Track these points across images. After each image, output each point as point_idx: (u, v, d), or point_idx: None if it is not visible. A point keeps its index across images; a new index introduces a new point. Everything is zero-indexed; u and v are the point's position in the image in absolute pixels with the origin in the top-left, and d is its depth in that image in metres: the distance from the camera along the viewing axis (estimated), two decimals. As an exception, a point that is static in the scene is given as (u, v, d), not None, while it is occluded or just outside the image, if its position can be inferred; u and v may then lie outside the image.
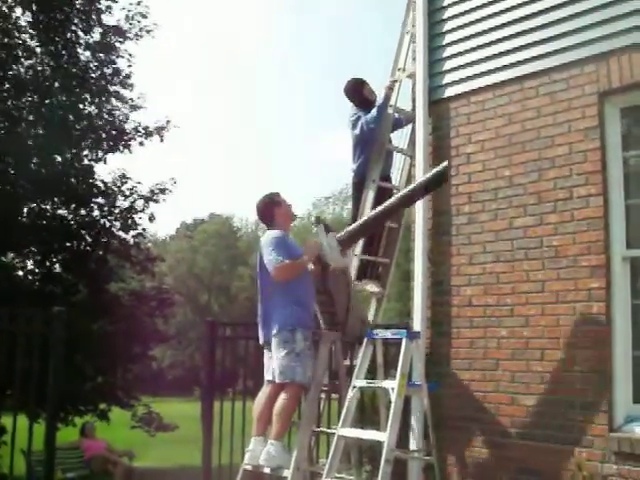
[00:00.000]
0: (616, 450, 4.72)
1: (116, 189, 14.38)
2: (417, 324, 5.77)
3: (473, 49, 6.01)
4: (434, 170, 5.61)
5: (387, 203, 5.78)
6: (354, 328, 5.58)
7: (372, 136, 6.73)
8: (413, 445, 5.56)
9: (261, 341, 5.55)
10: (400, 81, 6.86)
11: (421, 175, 6.07)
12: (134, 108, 14.79)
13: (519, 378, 5.36)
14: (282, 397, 5.24)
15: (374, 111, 6.70)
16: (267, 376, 5.52)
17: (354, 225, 5.98)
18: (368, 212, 6.60)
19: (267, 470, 5.37)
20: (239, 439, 6.14)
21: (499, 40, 5.81)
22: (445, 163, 5.52)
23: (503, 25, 5.79)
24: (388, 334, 5.31)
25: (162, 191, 14.73)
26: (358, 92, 7.05)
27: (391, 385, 5.01)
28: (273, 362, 5.38)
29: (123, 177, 14.42)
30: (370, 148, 6.78)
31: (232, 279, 63.09)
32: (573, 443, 4.94)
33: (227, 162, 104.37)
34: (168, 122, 15.00)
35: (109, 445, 12.10)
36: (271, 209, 5.68)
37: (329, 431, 5.92)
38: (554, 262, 5.25)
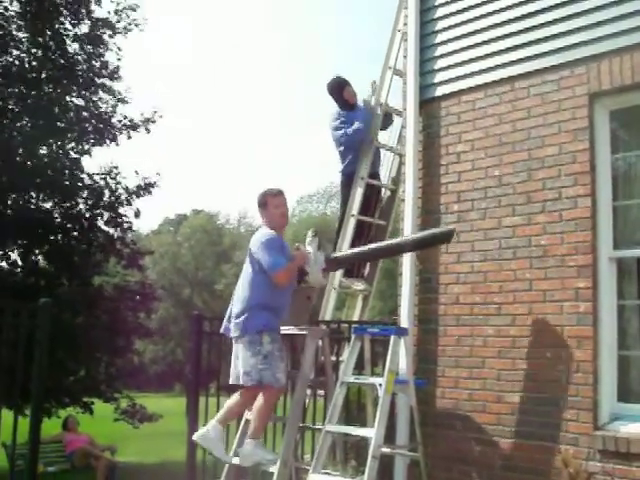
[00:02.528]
0: (601, 448, 4.76)
1: (102, 183, 14.31)
2: (404, 321, 5.79)
3: (464, 48, 6.03)
4: (443, 229, 5.66)
5: (386, 243, 5.85)
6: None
7: (357, 139, 6.77)
8: (399, 441, 5.57)
9: (222, 330, 5.62)
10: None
11: (410, 174, 6.10)
12: (121, 101, 14.73)
13: (505, 376, 5.39)
14: (259, 399, 5.27)
15: (357, 125, 6.71)
16: (231, 379, 5.50)
17: (345, 252, 6.05)
18: (356, 209, 6.63)
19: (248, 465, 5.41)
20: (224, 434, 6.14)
21: (491, 40, 5.84)
22: (452, 227, 5.54)
23: (495, 25, 5.82)
24: (376, 330, 5.34)
25: (148, 186, 14.69)
26: (339, 93, 7.07)
27: (379, 381, 5.04)
28: (239, 362, 5.39)
29: (111, 172, 14.35)
30: (358, 147, 6.81)
31: (216, 275, 62.95)
32: (558, 441, 4.98)
33: (211, 158, 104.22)
34: (154, 113, 14.98)
35: (91, 439, 12.05)
36: (266, 198, 5.59)
37: (315, 427, 5.95)
38: (542, 261, 5.30)
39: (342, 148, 6.94)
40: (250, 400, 5.39)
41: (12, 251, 14.14)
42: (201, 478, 6.79)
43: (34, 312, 6.35)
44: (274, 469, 5.17)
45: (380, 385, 4.98)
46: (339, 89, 7.07)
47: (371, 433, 4.85)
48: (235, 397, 5.52)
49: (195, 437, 5.45)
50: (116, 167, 14.44)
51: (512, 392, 5.33)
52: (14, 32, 13.43)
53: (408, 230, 6.01)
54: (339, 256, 5.91)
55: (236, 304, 5.48)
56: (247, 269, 5.50)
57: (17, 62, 13.49)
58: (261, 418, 5.30)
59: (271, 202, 5.54)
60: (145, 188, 14.63)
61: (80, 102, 14.24)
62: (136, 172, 14.58)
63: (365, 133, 6.80)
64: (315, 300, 5.96)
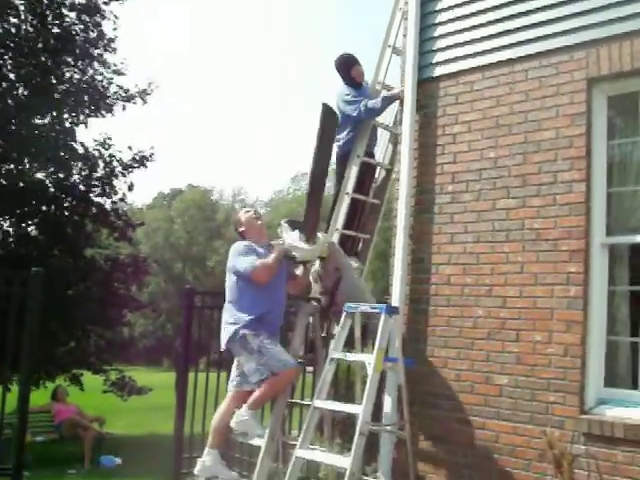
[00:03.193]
0: (586, 431, 4.80)
1: (97, 154, 14.25)
2: (396, 300, 5.80)
3: (464, 29, 6.00)
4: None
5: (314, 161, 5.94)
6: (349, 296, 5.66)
7: (367, 117, 6.69)
8: (387, 419, 5.60)
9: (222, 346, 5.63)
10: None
11: (406, 153, 6.10)
12: (117, 73, 14.65)
13: (494, 358, 5.42)
14: (274, 378, 5.30)
15: (379, 101, 6.59)
16: (231, 385, 5.63)
17: (304, 206, 6.10)
18: (351, 187, 6.62)
19: (239, 438, 5.47)
20: (212, 409, 6.16)
21: (491, 22, 5.81)
22: None
23: (495, 7, 5.78)
24: (367, 308, 5.35)
25: (143, 159, 14.65)
26: (346, 71, 6.99)
27: (368, 359, 5.06)
28: (238, 367, 5.55)
29: (105, 142, 14.29)
30: (360, 126, 6.76)
31: (208, 251, 62.97)
32: (544, 423, 5.02)
33: (208, 136, 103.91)
34: (150, 84, 14.92)
35: (80, 410, 12.09)
36: (237, 229, 5.95)
37: (304, 403, 5.98)
38: (534, 245, 5.31)
39: (351, 122, 6.85)
40: (239, 404, 5.46)
41: (4, 221, 14.10)
42: (188, 450, 6.82)
43: (26, 281, 6.35)
44: (261, 442, 5.20)
45: (369, 363, 5.01)
46: (347, 66, 7.00)
47: (359, 410, 4.88)
48: (221, 410, 5.60)
49: (196, 471, 5.53)
50: (110, 138, 14.39)
51: (500, 374, 5.36)
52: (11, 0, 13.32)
53: (402, 210, 6.01)
54: (303, 221, 6.00)
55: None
56: (226, 281, 5.70)
57: (14, 30, 13.38)
58: (266, 393, 5.35)
59: (241, 229, 5.87)
60: (140, 161, 14.59)
61: (76, 73, 14.16)
62: (129, 147, 14.56)
63: (375, 115, 6.73)
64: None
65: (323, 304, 5.92)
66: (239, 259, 5.52)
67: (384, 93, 6.69)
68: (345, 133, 6.86)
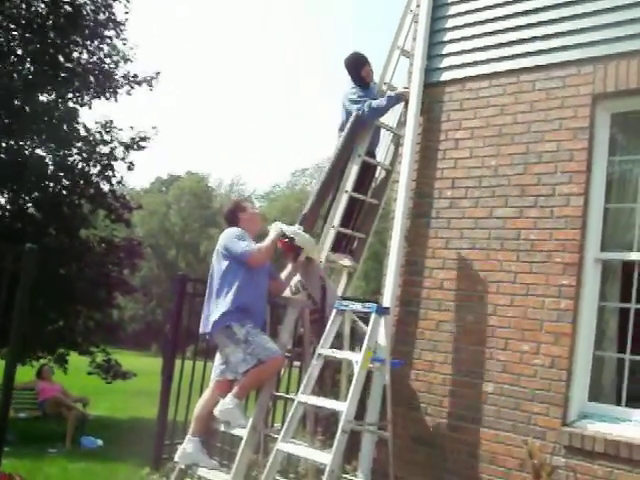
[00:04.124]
0: (567, 444, 4.83)
1: (97, 135, 14.25)
2: (387, 301, 5.81)
3: (475, 36, 6.01)
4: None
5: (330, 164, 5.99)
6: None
7: (371, 118, 6.68)
8: (370, 419, 5.62)
9: (201, 330, 5.63)
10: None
11: (407, 156, 6.11)
12: (124, 60, 14.66)
13: (481, 365, 5.44)
14: (260, 367, 5.29)
15: (383, 101, 6.57)
16: (214, 374, 5.62)
17: (311, 196, 6.11)
18: (351, 185, 6.63)
19: (221, 427, 5.48)
20: (197, 397, 6.18)
21: (501, 31, 5.83)
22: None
23: (507, 16, 5.80)
24: (358, 307, 5.36)
25: (143, 139, 14.65)
26: (356, 70, 6.97)
27: (356, 357, 5.07)
28: (222, 357, 5.53)
29: (107, 125, 14.29)
30: (363, 126, 6.75)
31: (202, 238, 62.95)
32: (526, 433, 5.04)
33: (208, 122, 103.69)
34: (157, 74, 14.93)
35: (64, 389, 12.10)
36: (235, 213, 5.83)
37: (288, 397, 5.98)
38: (529, 255, 5.32)
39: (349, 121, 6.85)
40: (223, 393, 5.45)
41: (1, 195, 14.09)
42: (170, 437, 6.83)
43: (19, 255, 6.34)
44: (243, 433, 5.21)
45: (356, 362, 5.02)
46: (357, 66, 6.97)
47: (343, 407, 4.88)
48: (204, 398, 5.61)
49: (176, 458, 5.54)
50: (111, 121, 14.40)
51: (486, 381, 5.38)
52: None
53: (399, 211, 6.02)
54: (305, 210, 6.01)
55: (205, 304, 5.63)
56: (213, 269, 5.64)
57: (24, 5, 13.36)
58: (252, 381, 5.35)
59: (242, 216, 5.79)
60: (140, 141, 14.59)
61: (84, 53, 14.16)
62: (131, 127, 14.58)
63: (378, 115, 6.72)
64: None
65: (315, 317, 5.91)
66: (234, 242, 5.48)
67: (389, 93, 6.69)
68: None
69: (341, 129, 6.84)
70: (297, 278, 6.00)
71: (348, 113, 6.75)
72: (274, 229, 5.67)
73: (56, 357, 14.36)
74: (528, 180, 5.44)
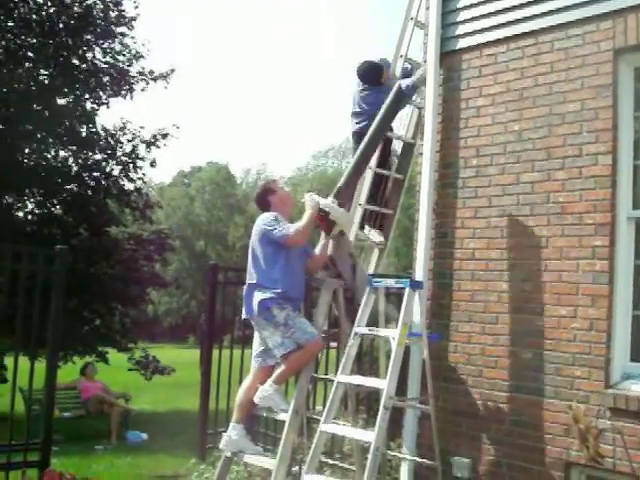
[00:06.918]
0: (611, 406, 4.77)
1: (117, 134, 14.35)
2: (419, 275, 5.77)
3: (488, 0, 5.91)
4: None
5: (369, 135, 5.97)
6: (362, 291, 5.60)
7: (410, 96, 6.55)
8: (411, 394, 5.61)
9: (244, 315, 5.60)
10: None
11: (429, 127, 6.03)
12: (136, 57, 14.67)
13: (518, 332, 5.39)
14: (299, 352, 5.29)
15: (414, 78, 6.44)
16: (254, 361, 5.61)
17: (348, 170, 6.02)
18: (374, 162, 6.58)
19: (263, 413, 5.51)
20: (236, 385, 6.22)
21: (515, -8, 5.72)
22: None
23: (520, -23, 5.69)
24: (391, 282, 5.34)
25: (164, 136, 14.71)
26: (375, 78, 6.83)
27: (392, 334, 5.05)
28: (262, 343, 5.51)
29: (123, 127, 14.41)
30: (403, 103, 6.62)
31: (229, 226, 63.16)
32: (569, 398, 4.99)
33: (228, 110, 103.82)
34: (172, 70, 14.97)
35: (106, 387, 12.25)
36: (265, 197, 5.77)
37: (328, 378, 5.99)
38: (559, 218, 5.25)
39: (361, 110, 6.79)
40: (263, 379, 5.46)
41: (28, 200, 14.23)
42: (213, 426, 6.89)
43: (51, 258, 6.40)
44: (285, 417, 5.23)
45: (393, 338, 5.00)
46: (378, 75, 6.82)
47: (383, 384, 4.88)
48: (245, 384, 5.60)
49: (221, 446, 5.56)
50: (130, 122, 14.49)
51: (525, 348, 5.34)
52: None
53: (425, 184, 5.97)
54: (341, 183, 5.91)
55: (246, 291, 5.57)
56: (252, 254, 5.58)
57: (35, 9, 13.42)
58: (291, 367, 5.35)
59: (273, 199, 5.72)
60: (162, 138, 14.65)
61: (97, 52, 14.22)
62: (141, 127, 14.65)
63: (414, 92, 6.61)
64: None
65: (347, 296, 5.86)
66: (272, 225, 5.41)
67: (420, 71, 6.47)
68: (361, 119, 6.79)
69: (354, 115, 6.82)
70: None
71: (355, 104, 6.73)
72: (309, 203, 5.58)
73: (97, 355, 14.52)
74: (553, 142, 5.35)
